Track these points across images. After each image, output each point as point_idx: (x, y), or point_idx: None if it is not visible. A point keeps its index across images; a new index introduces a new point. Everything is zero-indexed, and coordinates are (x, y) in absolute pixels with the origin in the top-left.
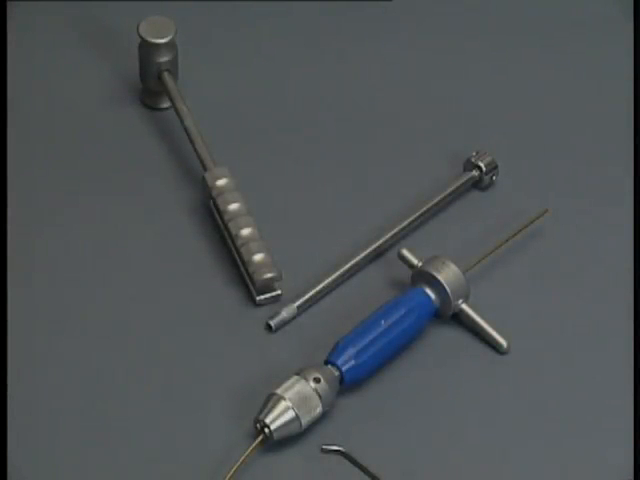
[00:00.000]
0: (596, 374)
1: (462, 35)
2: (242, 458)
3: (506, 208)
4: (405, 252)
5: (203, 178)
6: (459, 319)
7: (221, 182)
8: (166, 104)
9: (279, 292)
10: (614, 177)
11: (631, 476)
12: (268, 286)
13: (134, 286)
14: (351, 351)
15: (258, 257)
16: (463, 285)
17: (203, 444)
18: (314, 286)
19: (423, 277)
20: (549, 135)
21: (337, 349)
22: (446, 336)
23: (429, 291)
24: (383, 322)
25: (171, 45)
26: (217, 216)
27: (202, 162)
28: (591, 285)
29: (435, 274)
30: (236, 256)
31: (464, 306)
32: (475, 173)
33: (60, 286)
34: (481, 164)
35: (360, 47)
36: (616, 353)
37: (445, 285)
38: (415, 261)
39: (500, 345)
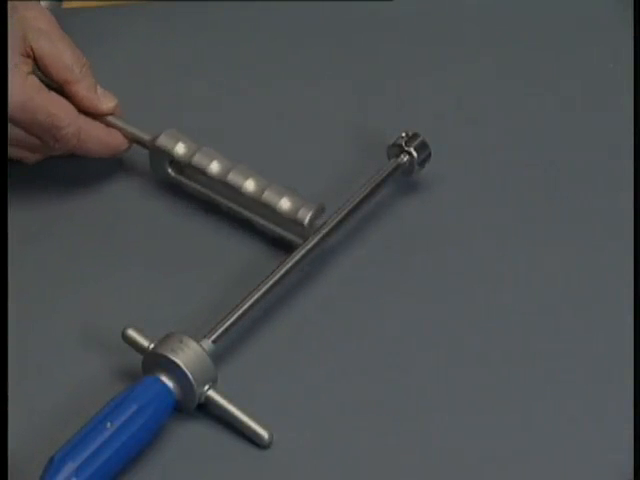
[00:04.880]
0: (596, 374)
1: (462, 35)
2: None
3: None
4: (131, 332)
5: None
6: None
7: (184, 143)
8: None
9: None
10: (614, 176)
11: (631, 476)
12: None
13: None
14: (70, 466)
15: (288, 199)
16: (208, 367)
17: None
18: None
19: (157, 362)
20: (549, 135)
21: (53, 466)
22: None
23: (165, 379)
24: (109, 425)
25: None
26: (193, 185)
27: (140, 139)
28: (591, 285)
29: (171, 356)
30: (247, 214)
31: (211, 393)
32: None
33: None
34: None
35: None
36: (616, 352)
37: (185, 369)
38: (145, 343)
39: (261, 437)
